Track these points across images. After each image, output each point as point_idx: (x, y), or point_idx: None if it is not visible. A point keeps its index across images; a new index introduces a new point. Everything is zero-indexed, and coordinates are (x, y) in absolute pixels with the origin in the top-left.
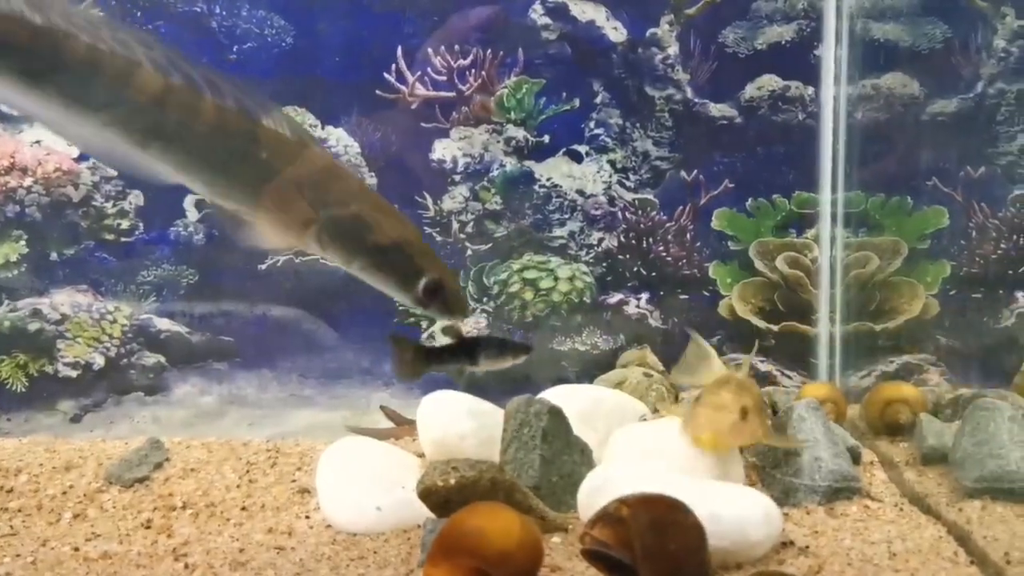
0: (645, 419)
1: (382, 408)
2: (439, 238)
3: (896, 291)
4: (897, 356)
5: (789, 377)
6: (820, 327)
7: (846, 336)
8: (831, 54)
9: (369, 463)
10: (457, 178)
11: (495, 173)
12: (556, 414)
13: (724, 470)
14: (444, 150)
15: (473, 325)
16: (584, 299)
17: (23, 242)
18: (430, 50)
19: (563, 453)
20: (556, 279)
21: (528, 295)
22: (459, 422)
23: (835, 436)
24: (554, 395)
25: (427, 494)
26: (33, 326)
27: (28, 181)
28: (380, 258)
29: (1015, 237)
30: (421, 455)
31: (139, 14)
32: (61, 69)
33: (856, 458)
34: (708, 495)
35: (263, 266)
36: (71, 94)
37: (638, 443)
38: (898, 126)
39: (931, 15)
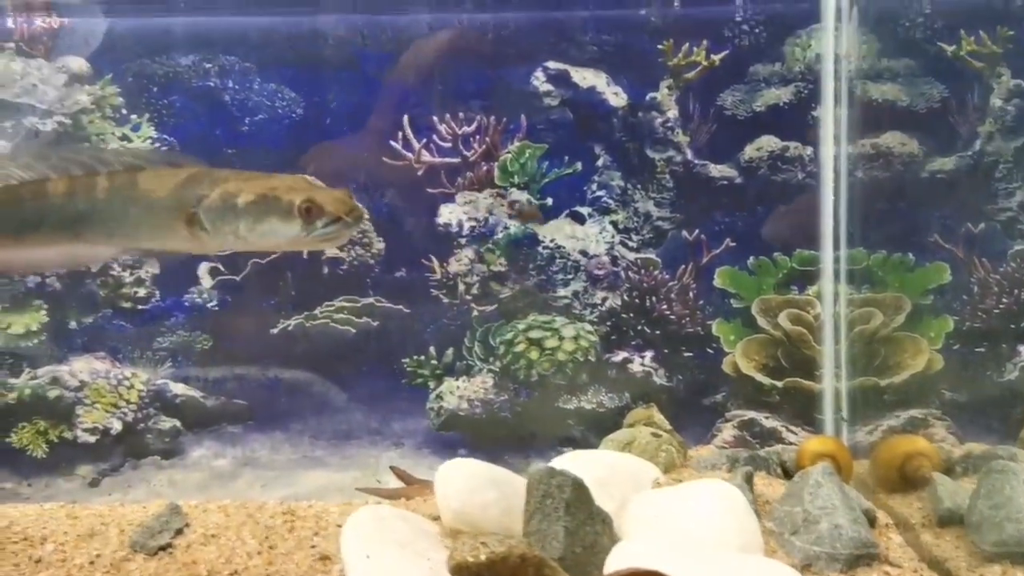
0: (659, 483)
1: (392, 468)
2: (445, 300)
3: (900, 346)
4: (903, 410)
5: (794, 432)
6: (825, 382)
7: (852, 391)
8: (830, 115)
9: (394, 533)
10: (463, 241)
11: (500, 236)
12: (579, 486)
13: (744, 539)
14: (450, 214)
15: (480, 385)
16: (589, 358)
17: (43, 311)
18: (435, 118)
19: (586, 524)
20: (561, 338)
21: (533, 354)
22: (481, 492)
23: (851, 500)
24: (569, 462)
25: (458, 570)
26: (53, 393)
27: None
28: (254, 214)
29: (1016, 291)
30: (435, 518)
31: (155, 89)
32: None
33: (872, 521)
34: (736, 569)
35: (275, 330)
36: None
37: (657, 513)
38: (898, 184)
39: (928, 76)
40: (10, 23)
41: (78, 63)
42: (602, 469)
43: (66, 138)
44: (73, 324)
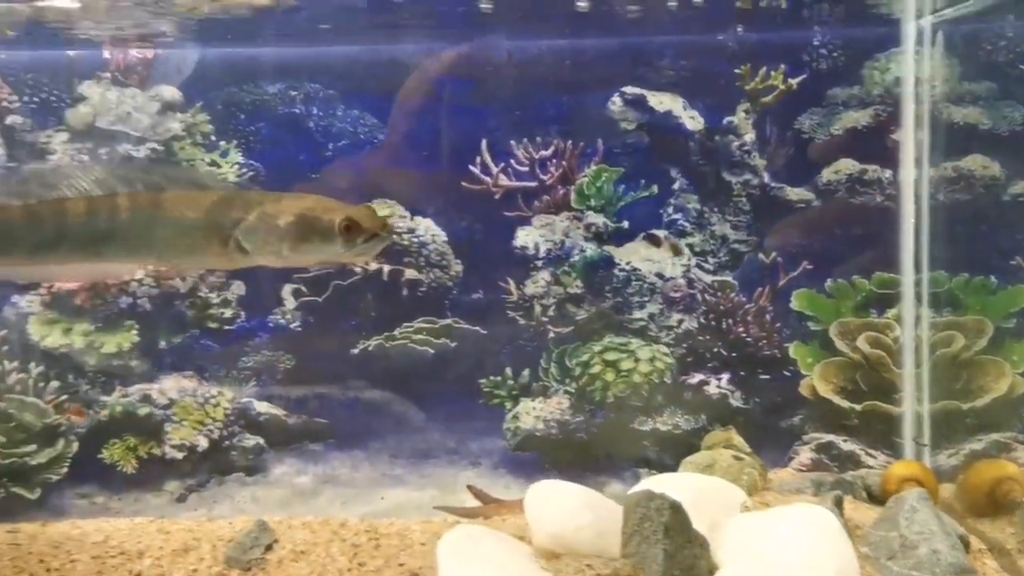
0: (747, 506)
1: (469, 487)
2: (522, 321)
3: (982, 370)
4: (985, 434)
5: (873, 456)
6: (905, 406)
7: (933, 415)
8: (910, 138)
9: (490, 553)
10: (539, 263)
11: (576, 258)
12: (677, 509)
13: (841, 564)
14: (526, 237)
15: (556, 405)
16: (664, 380)
17: (134, 331)
18: (512, 142)
19: (684, 547)
20: (637, 360)
21: (609, 376)
22: (576, 514)
23: (947, 526)
24: (658, 484)
25: None
26: (143, 410)
27: (140, 274)
28: (296, 234)
29: None
30: (520, 537)
31: (243, 116)
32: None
33: (966, 546)
34: None
35: (355, 350)
36: (29, 247)
37: (752, 538)
38: (980, 207)
39: (1010, 99)
40: (107, 54)
41: (170, 92)
42: (691, 492)
43: (157, 163)
44: (163, 344)
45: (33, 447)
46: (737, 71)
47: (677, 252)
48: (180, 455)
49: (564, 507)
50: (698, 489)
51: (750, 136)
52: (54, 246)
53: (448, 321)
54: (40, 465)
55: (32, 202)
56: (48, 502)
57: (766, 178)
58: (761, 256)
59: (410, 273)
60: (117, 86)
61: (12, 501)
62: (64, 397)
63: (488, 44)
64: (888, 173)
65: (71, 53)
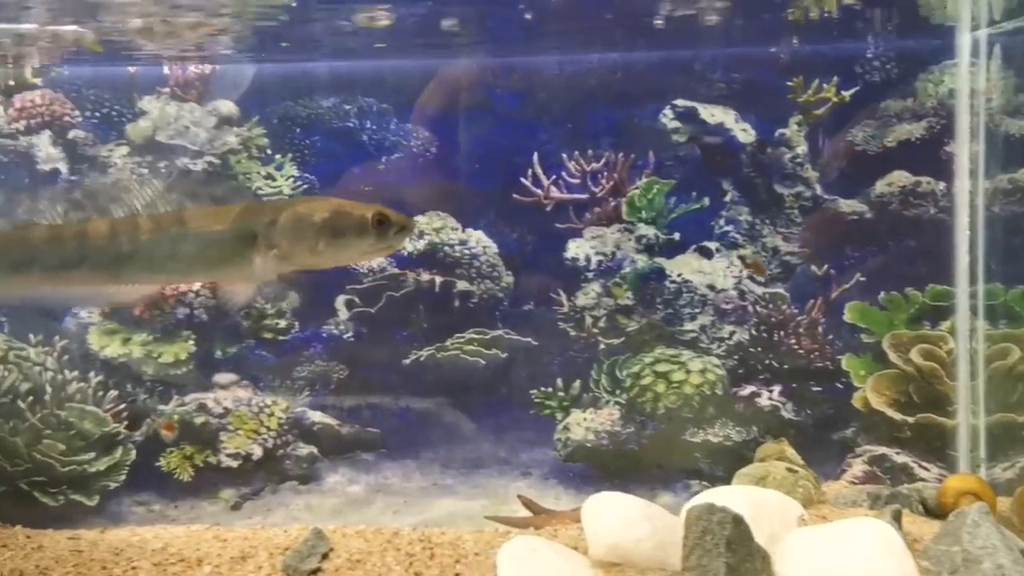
0: (804, 519)
1: (520, 497)
2: (573, 333)
3: None
4: None
5: (926, 469)
6: (959, 418)
7: (989, 427)
8: (965, 150)
9: (549, 564)
10: (590, 275)
11: (627, 270)
12: (739, 522)
13: None
14: (577, 249)
15: (607, 417)
16: (716, 391)
17: (191, 341)
18: (564, 155)
19: (746, 561)
20: (688, 372)
21: (660, 387)
22: (635, 526)
23: (1009, 540)
24: (717, 496)
25: None
26: (199, 419)
27: (197, 286)
28: (331, 229)
29: None
30: (574, 548)
31: (298, 130)
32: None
33: None
34: None
35: (407, 361)
36: (50, 269)
37: (813, 552)
38: None
39: None
40: (166, 70)
41: (227, 106)
42: (749, 505)
43: (215, 177)
44: (219, 354)
45: (92, 455)
46: (789, 83)
47: (760, 270)
48: (235, 463)
49: (622, 519)
50: (755, 502)
51: (802, 148)
52: (76, 265)
53: (499, 332)
54: (99, 473)
55: (57, 223)
56: (106, 509)
57: (818, 190)
58: (813, 268)
59: (462, 285)
60: (176, 101)
61: (72, 508)
62: (123, 406)
63: (540, 58)
64: (942, 185)
65: (132, 69)
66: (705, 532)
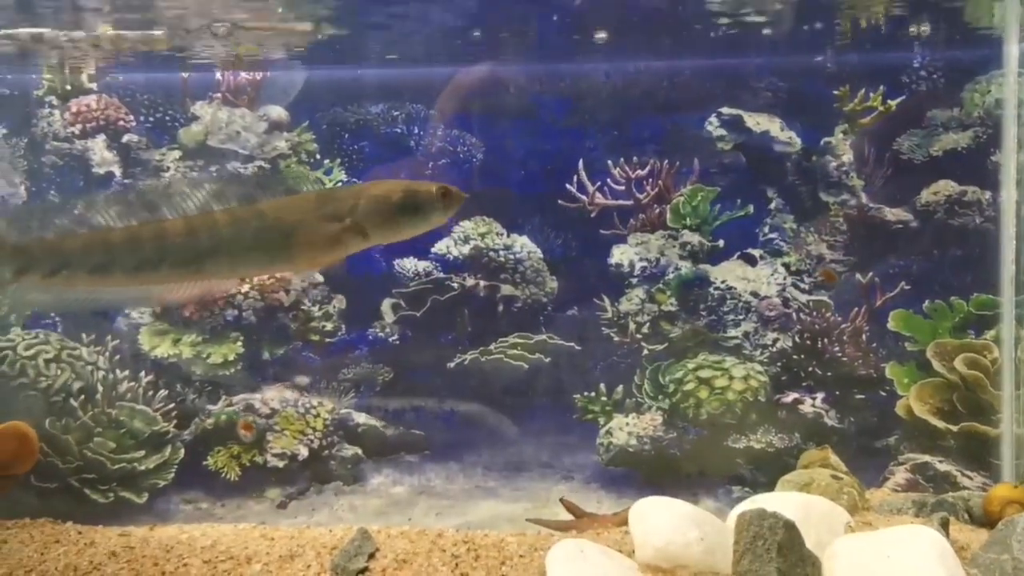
0: (850, 526)
1: (562, 500)
2: (616, 338)
3: None
4: None
5: (969, 477)
6: (1003, 427)
7: None
8: (1012, 159)
9: (598, 567)
10: (634, 281)
11: (671, 276)
12: (791, 528)
13: None
14: (621, 255)
15: (650, 422)
16: (759, 398)
17: (240, 343)
18: (609, 162)
19: (797, 566)
20: (731, 378)
21: (703, 393)
22: (684, 530)
23: None
24: (764, 502)
25: None
26: (247, 419)
27: (246, 288)
28: (410, 208)
29: None
30: (619, 551)
31: (347, 136)
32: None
33: None
34: None
35: (451, 364)
36: (131, 270)
37: (863, 559)
38: None
39: None
40: (218, 76)
41: (278, 112)
42: (798, 511)
43: (265, 180)
44: (266, 355)
45: (142, 453)
46: (835, 92)
47: (831, 279)
48: (281, 463)
49: (671, 523)
50: (803, 508)
51: (848, 157)
52: (156, 266)
53: (543, 337)
54: (148, 471)
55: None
56: (155, 506)
57: (864, 198)
58: (858, 276)
59: (506, 289)
60: (227, 106)
61: (121, 505)
62: (172, 405)
63: (587, 66)
64: (988, 195)
65: (185, 75)
66: (756, 537)
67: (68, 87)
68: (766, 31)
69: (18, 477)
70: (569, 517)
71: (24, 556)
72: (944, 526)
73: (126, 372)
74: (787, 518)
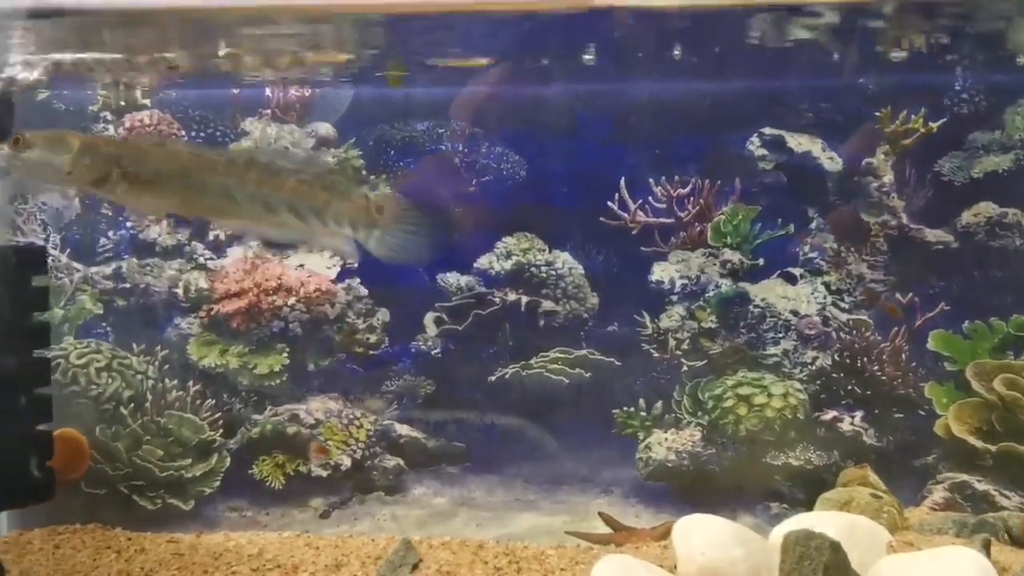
0: (892, 546)
1: (600, 514)
2: (656, 354)
3: None
4: None
5: (1007, 497)
6: None
7: None
8: None
9: None
10: (674, 298)
11: (711, 293)
12: (837, 548)
13: None
14: (662, 272)
15: (688, 438)
16: (797, 415)
17: (285, 354)
18: (651, 180)
19: None
20: (770, 395)
21: (742, 410)
22: (728, 548)
23: None
24: (808, 521)
25: None
26: (291, 429)
27: (292, 300)
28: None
29: None
30: (659, 567)
31: (392, 152)
32: None
33: None
34: None
35: (492, 378)
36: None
37: None
38: None
39: None
40: (268, 92)
41: (325, 128)
42: (841, 530)
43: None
44: (311, 366)
45: (189, 461)
46: (877, 114)
47: (896, 313)
48: (325, 473)
49: (716, 541)
50: (846, 527)
51: (889, 178)
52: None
53: (583, 352)
54: (195, 478)
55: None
56: (201, 513)
57: (904, 219)
58: (898, 296)
59: (547, 304)
60: (276, 122)
61: (168, 512)
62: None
63: (627, 84)
64: None
65: (235, 91)
66: (803, 558)
67: (122, 103)
68: (808, 53)
69: (72, 483)
70: (608, 531)
71: (77, 561)
72: (986, 547)
73: (175, 381)
74: (833, 539)
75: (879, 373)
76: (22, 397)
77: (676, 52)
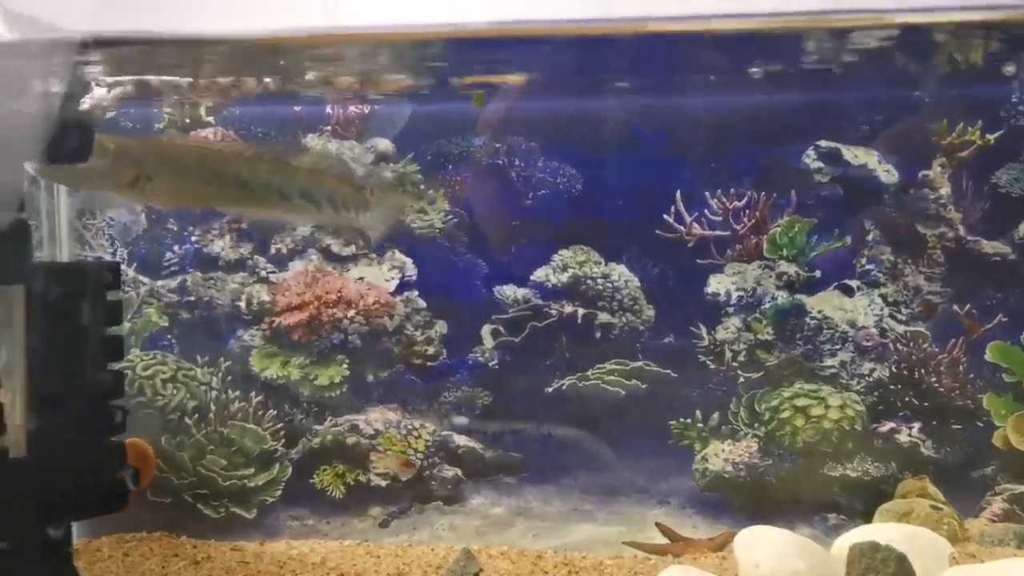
0: (954, 558)
1: (657, 525)
2: (712, 366)
3: None
4: None
5: None
6: None
7: None
8: None
9: None
10: (730, 310)
11: (767, 306)
12: (902, 561)
13: None
14: (718, 284)
15: (745, 449)
16: (855, 427)
17: (345, 366)
18: (707, 193)
19: None
20: (827, 407)
21: (799, 422)
22: (791, 560)
23: None
24: (869, 533)
25: None
26: (351, 440)
27: (351, 313)
28: None
29: None
30: None
31: (450, 167)
32: None
33: None
34: None
35: (549, 389)
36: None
37: None
38: None
39: None
40: (328, 110)
41: (384, 144)
42: (904, 542)
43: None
44: (370, 378)
45: (251, 471)
46: (933, 126)
47: (974, 329)
48: (384, 483)
49: (778, 552)
50: (909, 539)
51: (946, 190)
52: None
53: (639, 364)
54: (257, 487)
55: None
56: (263, 522)
57: (961, 231)
58: (955, 308)
59: (603, 317)
60: (336, 138)
61: (231, 520)
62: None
63: (683, 99)
64: None
65: (297, 108)
66: (868, 569)
67: (187, 120)
68: (864, 67)
69: (139, 492)
70: (665, 541)
71: (147, 569)
72: None
73: (237, 392)
74: (899, 551)
75: (937, 385)
76: (98, 409)
77: (732, 70)
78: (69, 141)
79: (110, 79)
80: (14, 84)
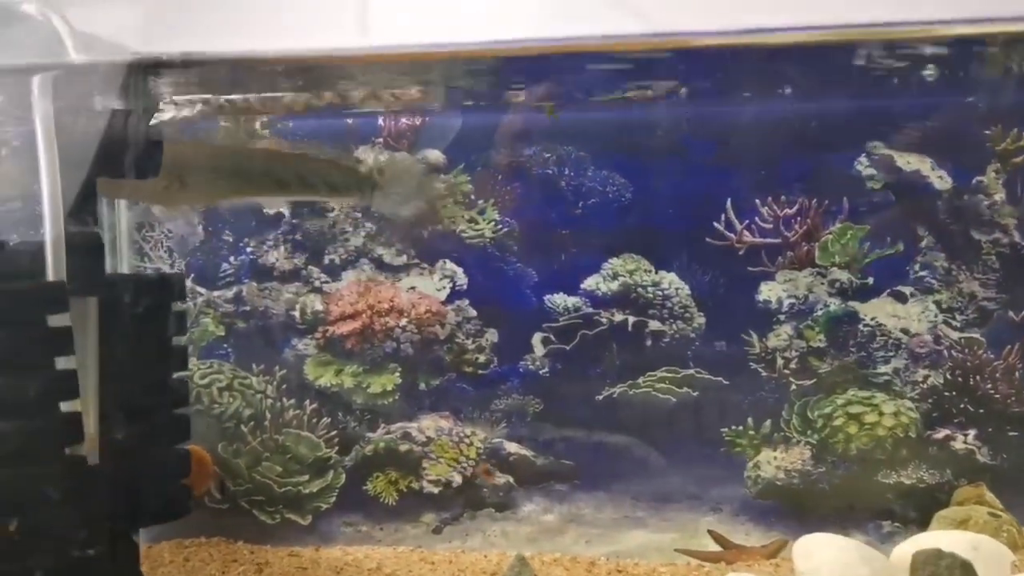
0: (1016, 566)
1: (710, 532)
2: (764, 373)
3: None
4: None
5: None
6: None
7: None
8: None
9: None
10: (782, 317)
11: (819, 313)
12: (968, 569)
13: None
14: (769, 291)
15: (798, 456)
16: (909, 434)
17: (397, 374)
18: (757, 200)
19: None
20: (880, 414)
21: (852, 429)
22: (853, 568)
23: None
24: (930, 541)
25: None
26: (403, 447)
27: (403, 321)
28: None
29: None
30: None
31: (500, 177)
32: None
33: None
34: None
35: (600, 396)
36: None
37: None
38: None
39: None
40: (380, 121)
41: (435, 155)
42: (966, 549)
43: (422, 220)
44: (422, 386)
45: (306, 477)
46: (987, 132)
47: None
48: (436, 490)
49: (840, 560)
50: (971, 547)
51: (1000, 195)
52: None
53: (690, 371)
54: (312, 494)
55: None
56: (317, 528)
57: (1016, 237)
58: (1011, 314)
59: (654, 325)
60: (388, 150)
61: (287, 526)
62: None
63: (733, 108)
64: None
65: (349, 121)
66: None
67: (242, 134)
68: (916, 74)
69: (198, 498)
70: (718, 548)
71: (207, 574)
72: None
73: (292, 400)
74: (964, 558)
75: (992, 391)
76: (166, 417)
77: (780, 79)
78: (138, 158)
79: (179, 98)
80: (84, 104)
